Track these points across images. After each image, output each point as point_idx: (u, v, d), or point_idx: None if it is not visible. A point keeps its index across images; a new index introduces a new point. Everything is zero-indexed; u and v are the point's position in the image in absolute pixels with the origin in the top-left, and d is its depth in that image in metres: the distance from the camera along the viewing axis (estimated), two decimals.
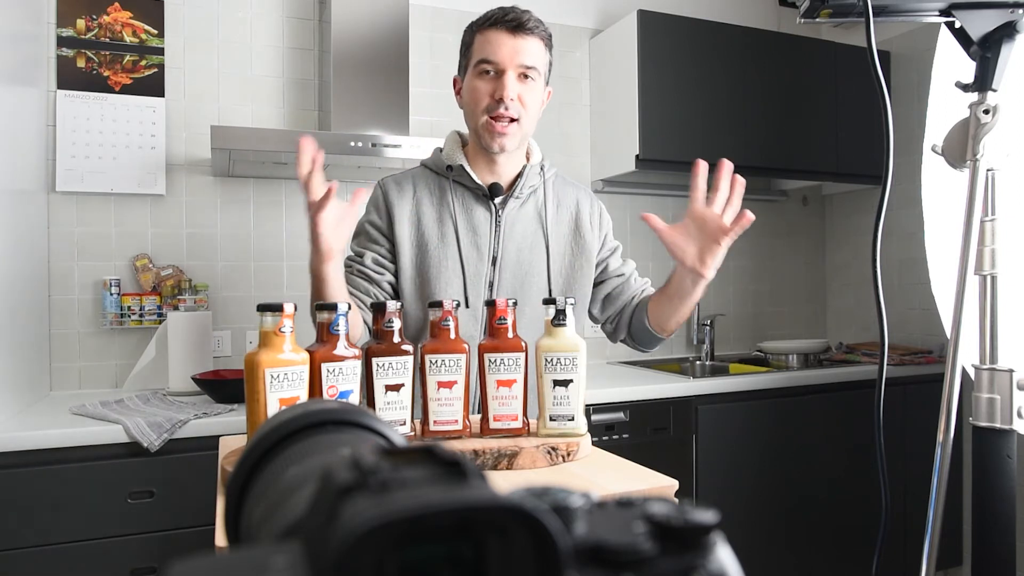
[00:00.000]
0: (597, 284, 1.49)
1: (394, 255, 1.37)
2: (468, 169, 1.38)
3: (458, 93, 1.42)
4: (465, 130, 1.45)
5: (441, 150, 1.44)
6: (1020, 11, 1.03)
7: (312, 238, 1.07)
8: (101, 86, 2.23)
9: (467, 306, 1.34)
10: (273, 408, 0.82)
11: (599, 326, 1.55)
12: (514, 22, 1.30)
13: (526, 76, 1.32)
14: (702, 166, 1.25)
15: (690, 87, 2.62)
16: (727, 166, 1.23)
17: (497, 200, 1.39)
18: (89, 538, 1.64)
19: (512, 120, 1.32)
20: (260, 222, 2.41)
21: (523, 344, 0.95)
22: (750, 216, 1.23)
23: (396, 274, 1.37)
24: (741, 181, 1.23)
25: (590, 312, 1.51)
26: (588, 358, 0.97)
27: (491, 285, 1.37)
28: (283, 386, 0.82)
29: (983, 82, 1.06)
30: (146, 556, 1.67)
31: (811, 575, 2.43)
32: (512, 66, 1.30)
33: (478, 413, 1.04)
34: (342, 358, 0.87)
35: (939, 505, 1.04)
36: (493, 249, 1.38)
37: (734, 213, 1.21)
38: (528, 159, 1.45)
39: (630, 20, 2.58)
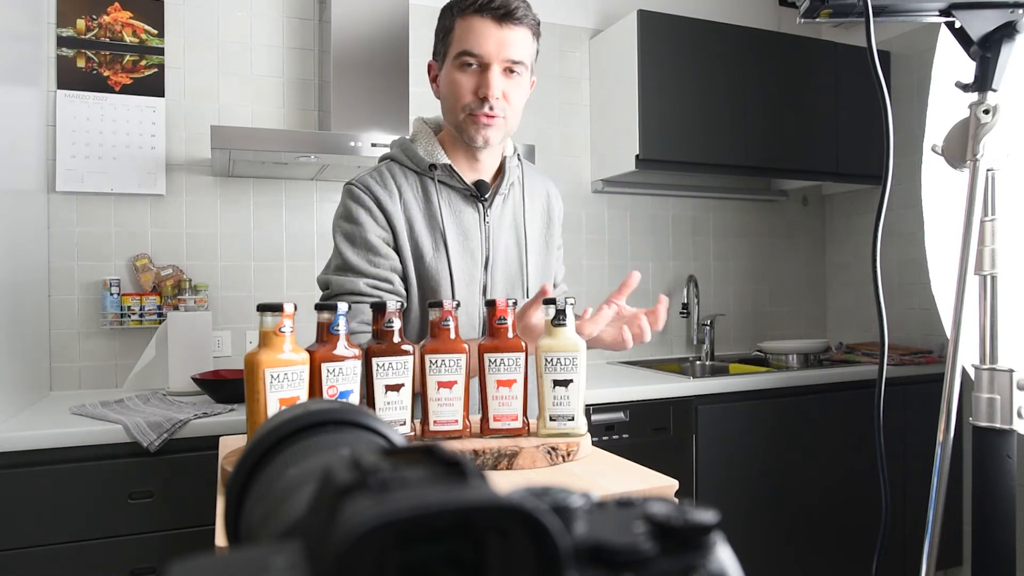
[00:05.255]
0: None
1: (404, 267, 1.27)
2: (456, 168, 1.28)
3: (434, 80, 1.29)
4: (429, 115, 1.35)
5: (412, 140, 1.31)
6: (1020, 11, 1.03)
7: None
8: (101, 86, 2.23)
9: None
10: (273, 408, 0.82)
11: None
12: (501, 10, 1.17)
13: (512, 71, 1.21)
14: (635, 278, 1.15)
15: (690, 87, 2.62)
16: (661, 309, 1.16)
17: (487, 195, 1.30)
18: (89, 538, 1.63)
19: (497, 116, 1.22)
20: (260, 222, 2.41)
21: (523, 344, 0.95)
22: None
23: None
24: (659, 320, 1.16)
25: None
26: (588, 358, 0.97)
27: (485, 289, 1.29)
28: (283, 386, 0.82)
29: (983, 82, 1.06)
30: (146, 556, 1.67)
31: (811, 575, 2.43)
32: (498, 60, 1.18)
33: (478, 413, 1.04)
34: (342, 358, 0.87)
35: (939, 505, 1.04)
36: (484, 252, 1.29)
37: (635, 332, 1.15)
38: (504, 150, 1.35)
39: (630, 20, 2.58)
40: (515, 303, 0.97)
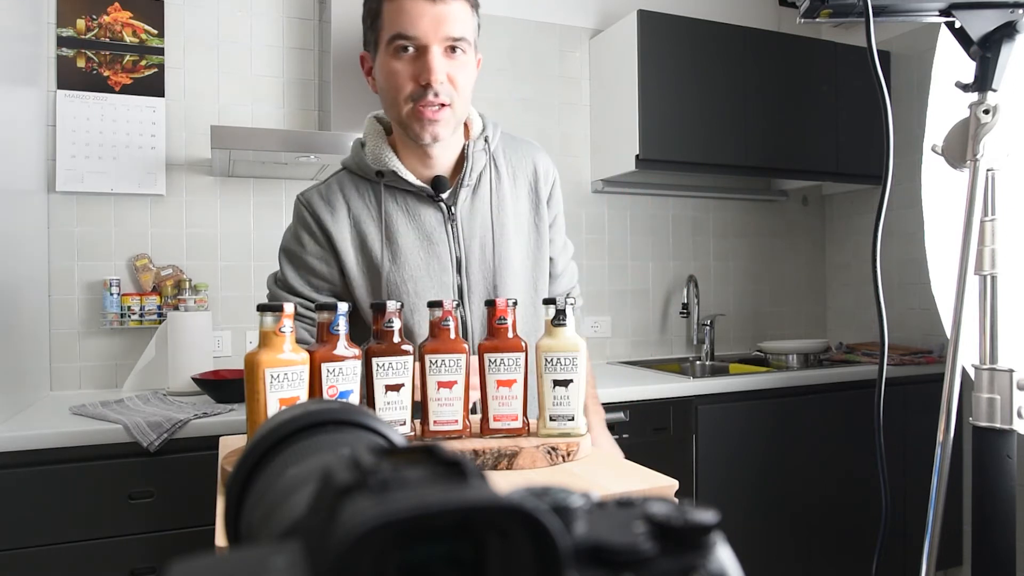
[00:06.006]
0: None
1: (346, 286, 1.19)
2: (403, 172, 1.16)
3: (368, 74, 1.17)
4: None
5: (363, 144, 1.21)
6: (1020, 11, 1.03)
7: None
8: (101, 86, 2.23)
9: None
10: (273, 408, 0.82)
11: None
12: None
13: (454, 49, 1.08)
14: None
15: (690, 87, 2.62)
16: None
17: (445, 195, 1.18)
18: (89, 538, 1.63)
19: (444, 105, 1.09)
20: (260, 222, 2.41)
21: (523, 344, 0.95)
22: None
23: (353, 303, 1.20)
24: None
25: None
26: (588, 358, 0.97)
27: (461, 292, 1.19)
28: (283, 386, 0.82)
29: (983, 82, 1.06)
30: (146, 556, 1.67)
31: (811, 575, 2.43)
32: (437, 40, 1.06)
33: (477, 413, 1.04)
34: (342, 358, 0.87)
35: (939, 505, 1.04)
36: (454, 253, 1.19)
37: None
38: (468, 134, 1.22)
39: (630, 20, 2.58)
40: (515, 303, 0.97)
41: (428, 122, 1.10)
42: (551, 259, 1.32)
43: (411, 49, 1.08)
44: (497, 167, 1.23)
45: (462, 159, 1.20)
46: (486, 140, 1.22)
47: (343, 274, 1.19)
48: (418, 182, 1.17)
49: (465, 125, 1.23)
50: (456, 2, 1.07)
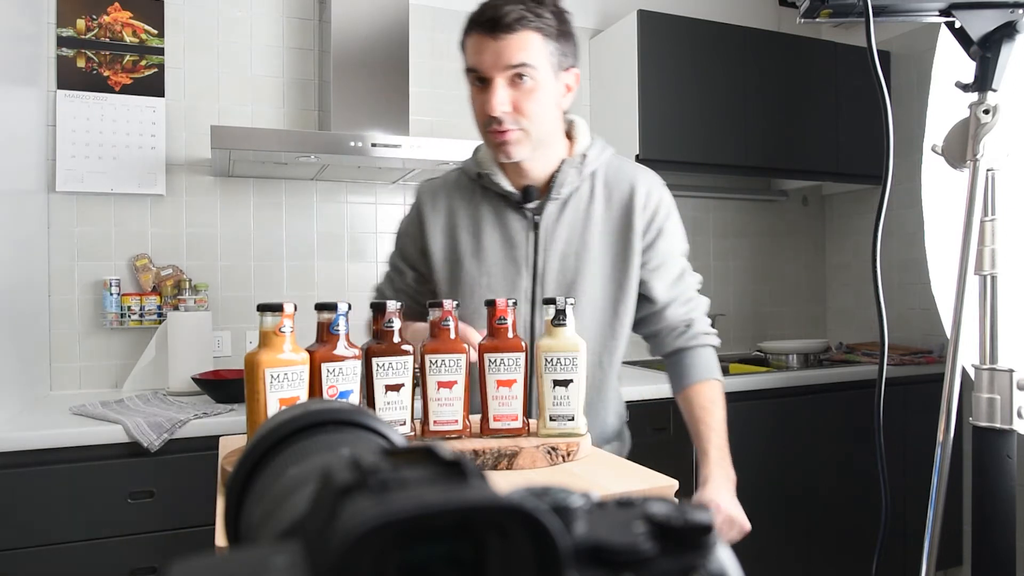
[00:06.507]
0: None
1: (428, 269, 1.31)
2: (496, 176, 1.25)
3: None
4: None
5: (478, 149, 1.32)
6: (1020, 11, 1.03)
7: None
8: (101, 86, 2.22)
9: None
10: (273, 408, 0.82)
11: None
12: (490, 22, 1.12)
13: (520, 76, 1.14)
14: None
15: (690, 87, 2.62)
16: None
17: (532, 205, 1.26)
18: (89, 538, 1.64)
19: (510, 130, 1.17)
20: (260, 222, 2.41)
21: (523, 344, 0.95)
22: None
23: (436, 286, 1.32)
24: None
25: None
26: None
27: (534, 297, 1.25)
28: (283, 386, 0.82)
29: (983, 82, 1.06)
30: (146, 556, 1.67)
31: (811, 575, 2.43)
32: (497, 71, 1.14)
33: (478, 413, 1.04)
34: (342, 358, 0.87)
35: (939, 505, 1.04)
36: (531, 260, 1.25)
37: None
38: (571, 150, 1.28)
39: (630, 20, 2.58)
40: (515, 303, 0.97)
41: (500, 144, 1.19)
42: (647, 283, 1.30)
43: (481, 81, 1.17)
44: (593, 187, 1.28)
45: (555, 174, 1.26)
46: (583, 158, 1.26)
47: (426, 257, 1.31)
48: (509, 187, 1.25)
49: (571, 140, 1.29)
50: (518, 33, 1.13)
